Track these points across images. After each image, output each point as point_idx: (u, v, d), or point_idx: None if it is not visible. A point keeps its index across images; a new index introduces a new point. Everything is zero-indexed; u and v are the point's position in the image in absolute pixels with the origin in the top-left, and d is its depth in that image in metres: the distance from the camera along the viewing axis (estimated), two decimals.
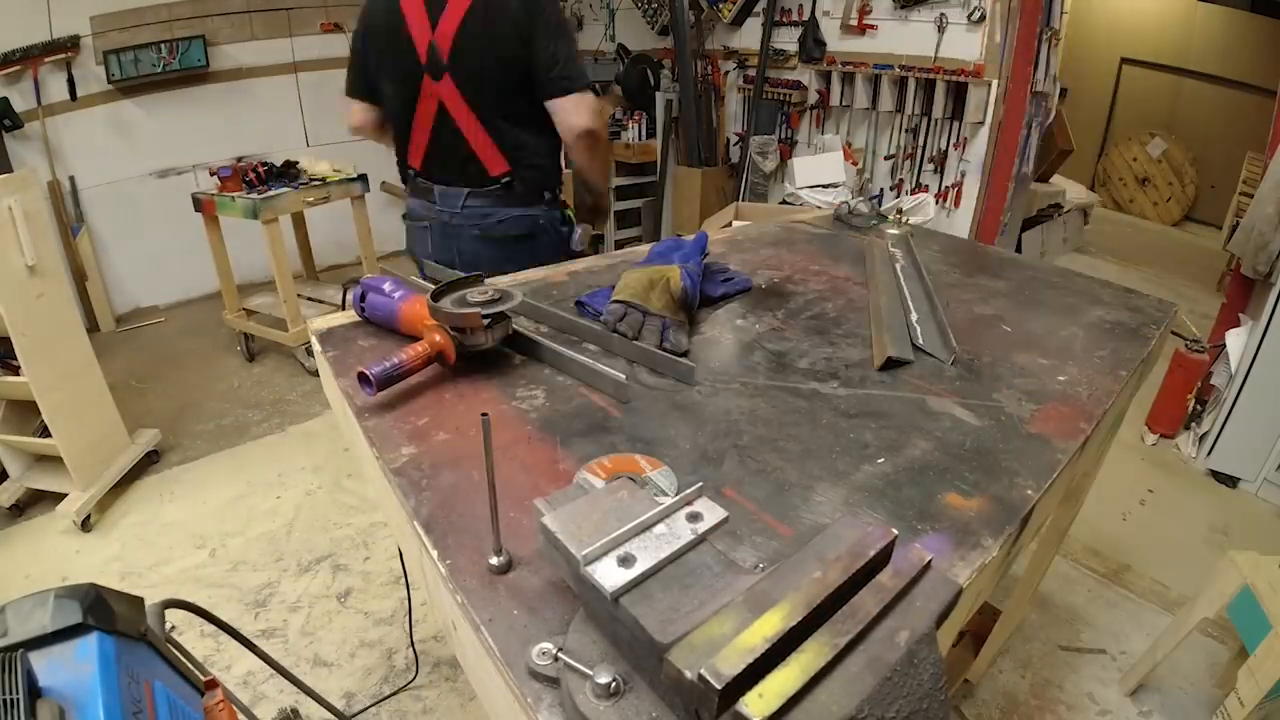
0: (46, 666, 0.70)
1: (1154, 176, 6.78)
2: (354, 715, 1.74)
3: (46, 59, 3.46)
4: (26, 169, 2.21)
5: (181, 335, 3.99)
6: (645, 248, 1.44)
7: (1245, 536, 2.42)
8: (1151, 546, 2.37)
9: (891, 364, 1.03)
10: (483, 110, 1.75)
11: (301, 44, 4.44)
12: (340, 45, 4.60)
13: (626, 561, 0.51)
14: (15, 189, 2.06)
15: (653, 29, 5.40)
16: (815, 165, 4.03)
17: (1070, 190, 5.04)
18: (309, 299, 3.70)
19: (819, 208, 3.68)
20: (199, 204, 3.27)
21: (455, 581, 0.63)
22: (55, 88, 3.55)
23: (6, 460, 2.42)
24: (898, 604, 0.48)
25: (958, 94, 3.36)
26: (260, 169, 3.26)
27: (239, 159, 3.83)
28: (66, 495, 2.38)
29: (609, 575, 0.49)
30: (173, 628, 0.98)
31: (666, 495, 0.72)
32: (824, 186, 3.97)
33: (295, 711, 1.51)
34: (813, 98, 4.17)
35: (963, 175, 3.52)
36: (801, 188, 3.99)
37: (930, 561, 0.51)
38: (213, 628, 1.12)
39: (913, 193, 3.79)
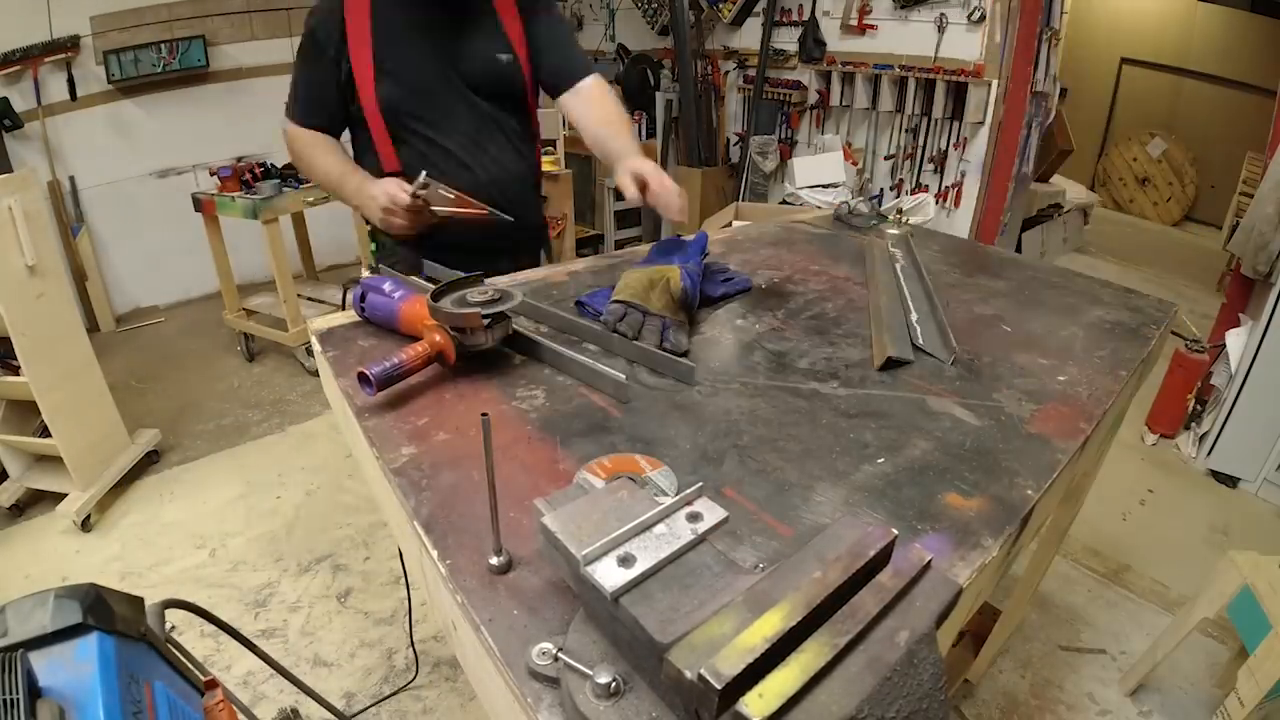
0: (46, 666, 0.69)
1: (1154, 176, 6.78)
2: (354, 715, 1.74)
3: (46, 59, 3.46)
4: (26, 169, 2.21)
5: (181, 335, 3.99)
6: (645, 247, 1.45)
7: (1245, 536, 2.42)
8: (1151, 546, 2.37)
9: (891, 364, 1.03)
10: None
11: None
12: None
13: (626, 561, 0.51)
14: (15, 189, 2.06)
15: (653, 29, 5.40)
16: (815, 165, 4.03)
17: (1070, 190, 5.05)
18: (309, 299, 3.70)
19: (819, 208, 3.68)
20: (199, 204, 3.28)
21: (455, 581, 0.63)
22: (55, 88, 3.55)
23: (6, 460, 2.42)
24: (898, 604, 0.48)
25: (958, 94, 3.36)
26: (258, 169, 3.26)
27: (239, 159, 3.83)
28: (66, 495, 2.38)
29: (609, 575, 0.49)
30: (173, 628, 0.98)
31: (666, 495, 0.72)
32: (824, 186, 3.97)
33: (295, 711, 1.51)
34: (813, 98, 4.17)
35: (963, 175, 3.52)
36: (801, 188, 3.99)
37: (930, 561, 0.51)
38: (213, 628, 1.12)
39: (913, 193, 3.79)
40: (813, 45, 4.01)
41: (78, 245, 3.75)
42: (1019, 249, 3.80)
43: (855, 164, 4.04)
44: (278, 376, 3.49)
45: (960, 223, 3.60)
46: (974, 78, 3.24)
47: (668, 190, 1.24)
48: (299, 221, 3.88)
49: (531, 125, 1.66)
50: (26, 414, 2.41)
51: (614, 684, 0.48)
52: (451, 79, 1.47)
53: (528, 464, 0.80)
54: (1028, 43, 3.12)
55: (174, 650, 0.90)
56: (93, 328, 3.94)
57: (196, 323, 4.11)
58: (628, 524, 0.53)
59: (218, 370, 3.55)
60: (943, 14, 3.33)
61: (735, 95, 4.77)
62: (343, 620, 2.04)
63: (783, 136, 4.45)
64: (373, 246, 1.66)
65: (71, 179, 3.71)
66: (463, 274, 1.08)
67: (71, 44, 3.50)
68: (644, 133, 5.07)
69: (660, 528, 0.54)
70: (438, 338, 1.00)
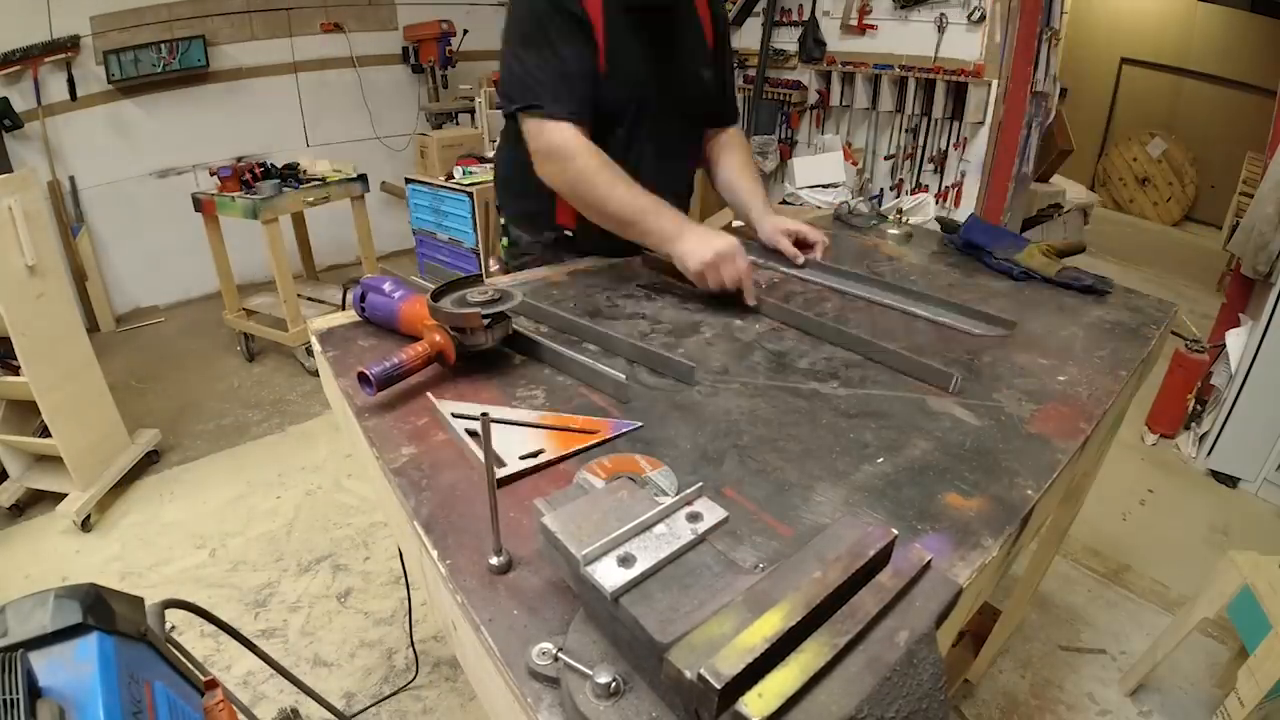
0: (46, 666, 0.70)
1: (1154, 176, 6.78)
2: (354, 715, 1.74)
3: (46, 59, 3.46)
4: (27, 169, 2.21)
5: (181, 335, 3.99)
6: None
7: (1245, 536, 2.42)
8: (1151, 546, 2.37)
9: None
10: None
11: (301, 44, 4.44)
12: (340, 46, 4.61)
13: (626, 561, 0.50)
14: (15, 189, 2.06)
15: None
16: (815, 165, 4.03)
17: (1070, 190, 5.04)
18: (309, 299, 3.70)
19: (819, 208, 3.69)
20: (199, 204, 3.28)
21: (455, 581, 0.63)
22: (55, 88, 3.55)
23: (6, 460, 2.42)
24: (897, 604, 0.48)
25: (958, 94, 3.36)
26: (258, 169, 3.26)
27: (239, 159, 3.83)
28: (66, 495, 2.38)
29: (609, 575, 0.49)
30: (173, 628, 0.98)
31: (666, 495, 0.72)
32: (824, 186, 3.97)
33: (295, 711, 1.51)
34: (813, 98, 4.17)
35: (963, 175, 3.53)
36: (801, 188, 4.00)
37: (930, 561, 0.51)
38: (213, 628, 1.12)
39: (913, 193, 3.79)
40: (813, 45, 4.01)
41: (78, 245, 3.75)
42: None
43: (855, 164, 4.04)
44: (278, 376, 3.49)
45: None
46: (974, 78, 3.24)
47: (826, 244, 1.41)
48: (299, 221, 3.87)
49: (700, 152, 1.58)
50: (26, 414, 2.41)
51: (614, 684, 0.48)
52: (663, 85, 1.36)
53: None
54: (1028, 43, 3.12)
55: (174, 650, 0.90)
56: (93, 328, 3.93)
57: (196, 323, 4.11)
58: (628, 524, 0.53)
59: (218, 370, 3.55)
60: (943, 14, 3.33)
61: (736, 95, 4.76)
62: (343, 620, 2.04)
63: (783, 136, 4.45)
64: (504, 241, 1.61)
65: (71, 179, 3.71)
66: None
67: (71, 44, 3.50)
68: None
69: (660, 528, 0.54)
70: (438, 338, 1.00)
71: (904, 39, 3.54)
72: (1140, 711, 1.80)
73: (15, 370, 2.23)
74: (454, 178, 3.29)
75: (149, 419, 2.90)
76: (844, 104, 3.99)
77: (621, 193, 1.27)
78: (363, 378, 0.90)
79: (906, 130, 3.74)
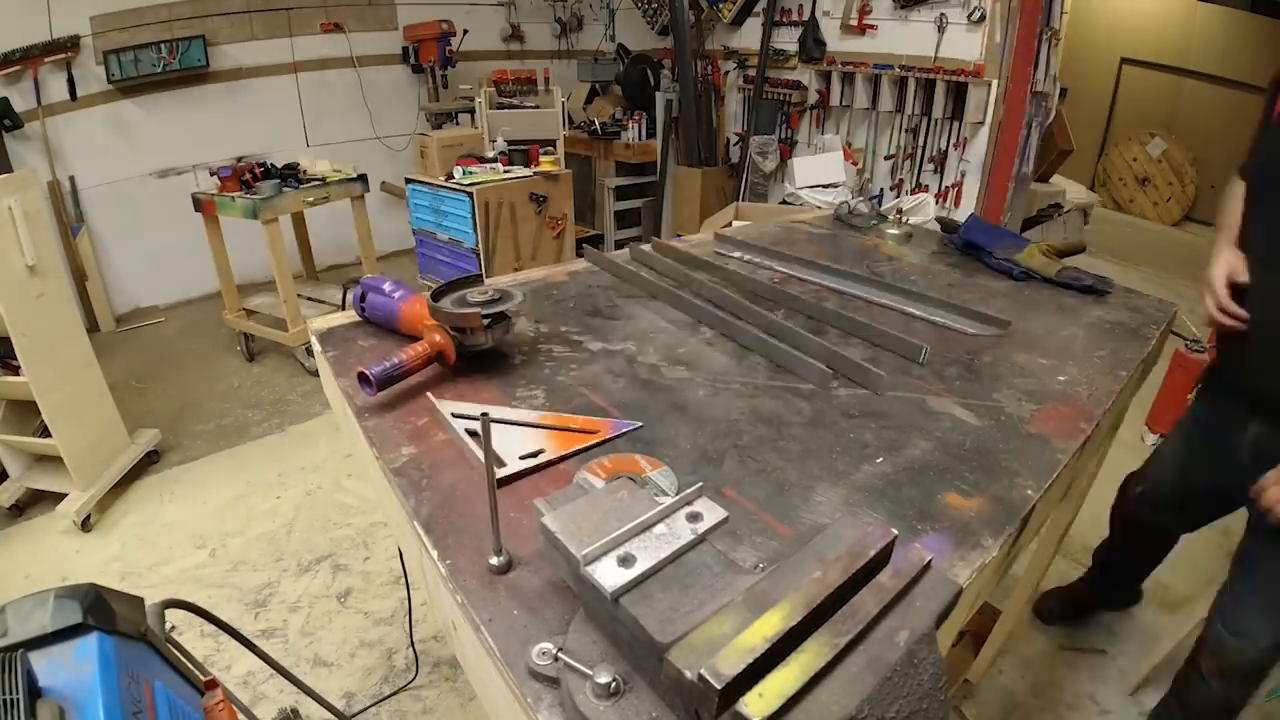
0: (46, 666, 0.70)
1: (1154, 176, 6.78)
2: (354, 715, 1.74)
3: (46, 59, 3.46)
4: (27, 169, 2.21)
5: (181, 335, 3.99)
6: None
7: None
8: None
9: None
10: None
11: (301, 44, 4.44)
12: (340, 46, 4.62)
13: (626, 561, 0.51)
14: (15, 189, 2.06)
15: (653, 29, 5.40)
16: (815, 165, 4.03)
17: (1070, 190, 5.04)
18: (309, 299, 3.70)
19: (819, 208, 3.68)
20: (199, 204, 3.28)
21: (455, 581, 0.63)
22: (55, 88, 3.55)
23: (6, 460, 2.42)
24: (898, 604, 0.48)
25: (958, 94, 3.36)
26: (258, 169, 3.26)
27: (239, 159, 3.83)
28: (66, 495, 2.38)
29: (609, 575, 0.49)
30: (173, 628, 0.98)
31: (667, 495, 0.72)
32: (824, 186, 3.97)
33: (295, 711, 1.51)
34: (813, 98, 4.17)
35: (963, 175, 3.52)
36: (801, 188, 3.99)
37: (930, 561, 0.51)
38: (213, 628, 1.12)
39: (913, 193, 3.79)
40: (813, 45, 4.01)
41: (78, 245, 3.75)
42: None
43: (855, 164, 4.04)
44: (278, 376, 3.49)
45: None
46: (974, 78, 3.24)
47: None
48: (299, 221, 3.87)
49: None
50: (27, 414, 2.41)
51: (614, 684, 0.48)
52: None
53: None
54: (1028, 43, 3.12)
55: (174, 650, 0.90)
56: (93, 328, 3.94)
57: (196, 323, 4.11)
58: (628, 524, 0.53)
59: (218, 370, 3.55)
60: (943, 14, 3.33)
61: (735, 95, 4.77)
62: (343, 620, 2.04)
63: (783, 136, 4.45)
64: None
65: (71, 179, 3.71)
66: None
67: (71, 44, 3.50)
68: (644, 133, 5.08)
69: (660, 528, 0.54)
70: (438, 338, 1.00)
71: (904, 39, 3.54)
72: (1142, 711, 1.80)
73: (15, 370, 2.23)
74: (454, 178, 3.29)
75: (149, 419, 2.90)
76: (844, 104, 3.99)
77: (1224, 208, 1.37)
78: (363, 378, 0.90)
79: (906, 130, 3.74)
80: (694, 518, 0.54)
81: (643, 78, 5.17)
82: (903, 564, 0.50)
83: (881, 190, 4.07)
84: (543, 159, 3.51)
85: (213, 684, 0.94)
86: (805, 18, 4.03)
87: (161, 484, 2.67)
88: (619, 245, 5.03)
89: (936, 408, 0.92)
